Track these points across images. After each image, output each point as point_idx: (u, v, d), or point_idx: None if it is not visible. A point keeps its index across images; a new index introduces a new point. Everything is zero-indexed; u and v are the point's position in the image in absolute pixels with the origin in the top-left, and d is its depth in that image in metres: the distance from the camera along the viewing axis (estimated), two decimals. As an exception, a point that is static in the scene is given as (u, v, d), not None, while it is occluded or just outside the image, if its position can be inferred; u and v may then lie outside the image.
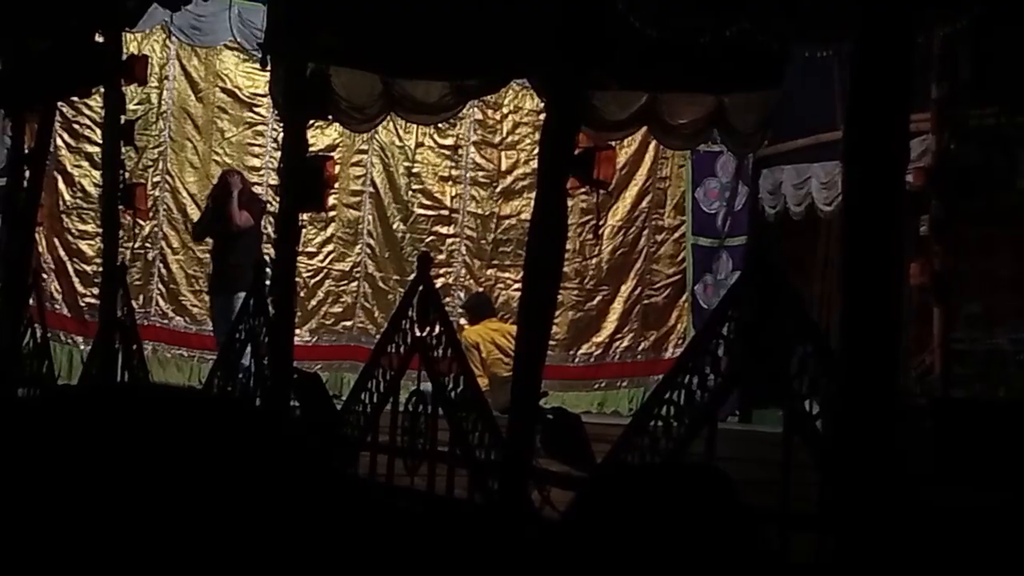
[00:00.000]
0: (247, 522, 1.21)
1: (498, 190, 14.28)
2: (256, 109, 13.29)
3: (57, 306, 12.51)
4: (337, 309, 13.74)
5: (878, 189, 4.20)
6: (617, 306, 14.51)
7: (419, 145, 14.03)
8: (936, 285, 9.69)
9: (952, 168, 9.71)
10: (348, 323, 13.74)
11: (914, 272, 9.40)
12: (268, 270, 8.20)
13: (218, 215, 11.61)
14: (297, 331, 10.40)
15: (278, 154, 9.96)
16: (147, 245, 12.94)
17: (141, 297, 12.66)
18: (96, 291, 11.16)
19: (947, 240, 9.77)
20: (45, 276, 12.20)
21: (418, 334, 6.52)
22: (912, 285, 9.33)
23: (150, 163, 13.02)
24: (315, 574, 1.22)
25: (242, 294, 11.38)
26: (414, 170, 14.03)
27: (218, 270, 11.65)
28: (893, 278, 4.27)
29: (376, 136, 13.61)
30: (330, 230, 13.66)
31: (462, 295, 14.05)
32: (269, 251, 11.29)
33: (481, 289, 13.97)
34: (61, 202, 12.68)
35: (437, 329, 6.46)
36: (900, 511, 4.07)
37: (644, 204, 14.55)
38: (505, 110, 14.20)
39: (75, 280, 12.69)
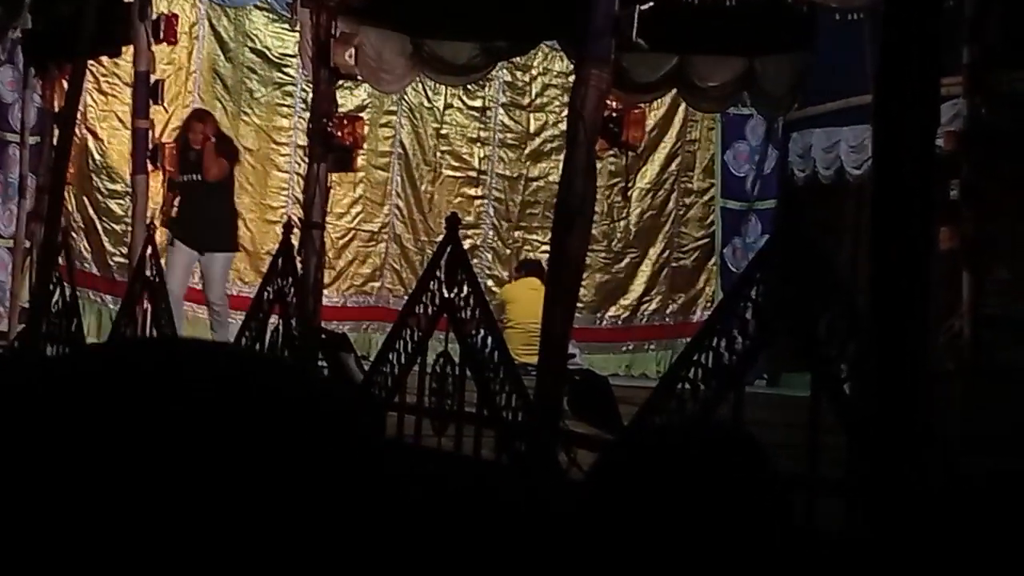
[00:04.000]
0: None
1: (527, 152, 14.26)
2: (285, 69, 13.27)
3: (86, 265, 12.54)
4: (365, 270, 13.75)
5: (908, 153, 4.18)
6: (645, 269, 14.49)
7: (448, 106, 14.02)
8: (966, 250, 9.64)
9: (983, 132, 9.64)
10: (376, 284, 13.76)
11: (944, 237, 9.34)
12: (296, 230, 8.22)
13: (188, 162, 10.99)
14: (325, 292, 10.41)
15: (307, 115, 9.96)
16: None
17: (170, 257, 12.66)
18: (125, 250, 11.17)
19: (977, 205, 9.71)
20: (74, 235, 12.22)
21: (446, 295, 6.53)
22: (942, 250, 9.27)
23: (179, 123, 13.03)
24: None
25: (225, 255, 11.23)
26: (442, 131, 14.02)
27: (190, 223, 11.00)
28: (922, 243, 4.26)
29: (405, 97, 13.59)
30: (358, 191, 13.65)
31: (490, 257, 14.07)
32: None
33: (508, 251, 14.05)
34: (90, 161, 12.68)
35: (465, 290, 6.47)
36: (930, 477, 4.06)
37: (673, 167, 14.51)
38: (534, 72, 14.16)
39: (104, 239, 12.71)
